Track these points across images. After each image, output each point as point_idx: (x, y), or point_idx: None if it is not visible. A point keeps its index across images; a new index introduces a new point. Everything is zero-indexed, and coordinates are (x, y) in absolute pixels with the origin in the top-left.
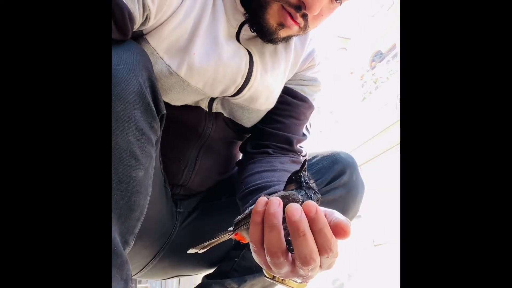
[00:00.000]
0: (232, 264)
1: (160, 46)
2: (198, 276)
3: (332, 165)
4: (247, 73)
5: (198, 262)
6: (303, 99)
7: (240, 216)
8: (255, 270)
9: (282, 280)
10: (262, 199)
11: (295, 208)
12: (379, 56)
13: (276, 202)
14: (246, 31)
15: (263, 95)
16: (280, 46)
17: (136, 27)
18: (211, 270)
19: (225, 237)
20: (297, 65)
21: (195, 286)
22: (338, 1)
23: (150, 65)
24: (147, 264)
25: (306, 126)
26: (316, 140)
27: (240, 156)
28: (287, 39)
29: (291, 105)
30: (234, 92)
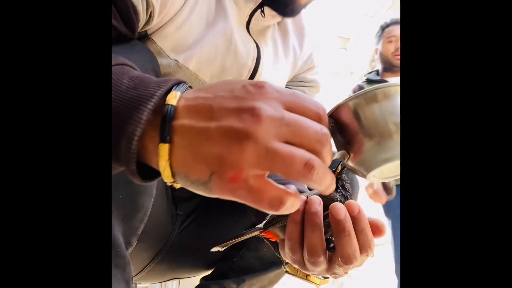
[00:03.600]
0: (230, 264)
1: (166, 45)
2: (198, 277)
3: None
4: (254, 67)
5: (196, 264)
6: None
7: (273, 213)
8: (255, 270)
9: (307, 276)
10: (301, 197)
11: (340, 208)
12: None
13: (317, 201)
14: (257, 20)
15: None
16: (280, 45)
17: (141, 24)
18: (209, 271)
19: (253, 234)
20: (296, 67)
21: (194, 287)
22: None
23: (158, 67)
24: (146, 266)
25: None
26: None
27: None
28: (306, 5)
29: None
30: None
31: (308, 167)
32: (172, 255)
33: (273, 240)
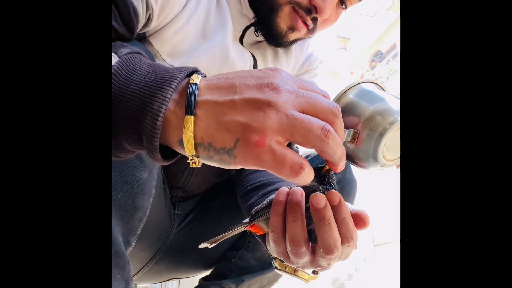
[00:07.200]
0: (229, 265)
1: (163, 48)
2: (198, 277)
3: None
4: None
5: (195, 264)
6: None
7: (258, 206)
8: (254, 270)
9: (295, 271)
10: (283, 189)
11: (320, 197)
12: (379, 56)
13: (298, 192)
14: (250, 36)
15: None
16: (281, 50)
17: (140, 26)
18: (207, 272)
19: (239, 229)
20: (295, 69)
21: (194, 287)
22: (344, 7)
23: None
24: (143, 267)
25: None
26: None
27: None
28: (294, 42)
29: None
30: None
31: (325, 131)
32: (170, 255)
33: (259, 233)
